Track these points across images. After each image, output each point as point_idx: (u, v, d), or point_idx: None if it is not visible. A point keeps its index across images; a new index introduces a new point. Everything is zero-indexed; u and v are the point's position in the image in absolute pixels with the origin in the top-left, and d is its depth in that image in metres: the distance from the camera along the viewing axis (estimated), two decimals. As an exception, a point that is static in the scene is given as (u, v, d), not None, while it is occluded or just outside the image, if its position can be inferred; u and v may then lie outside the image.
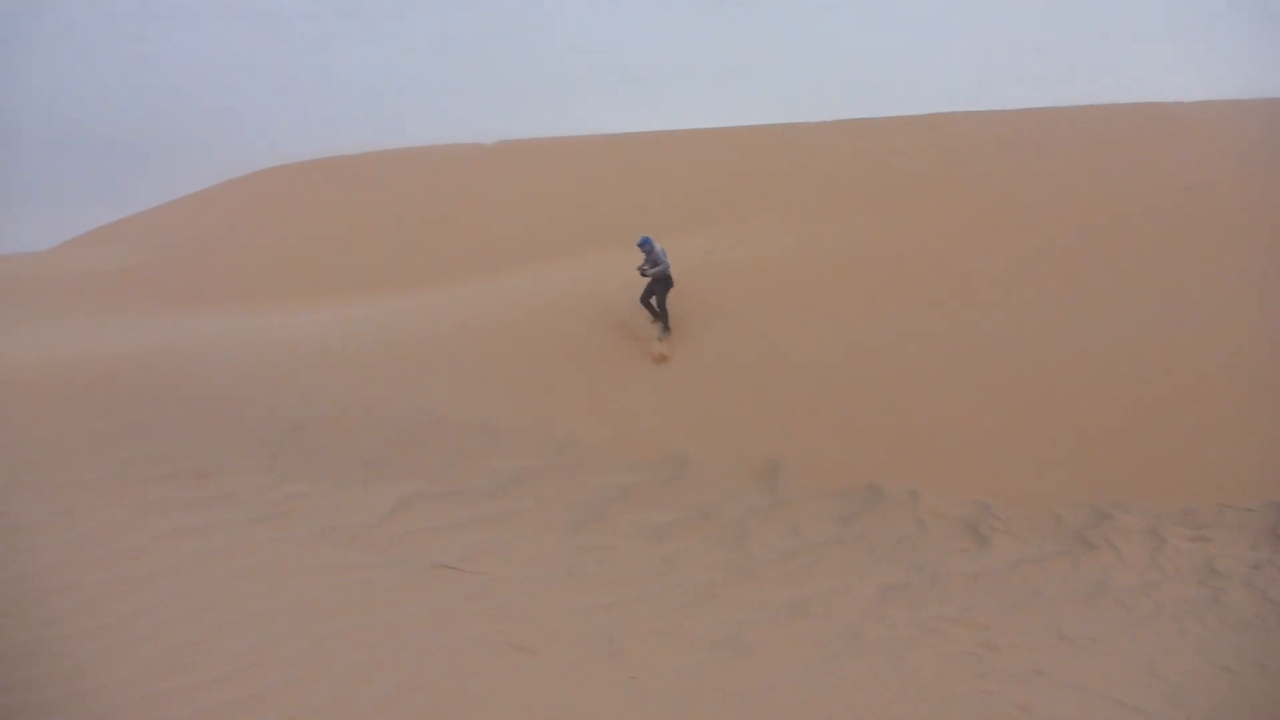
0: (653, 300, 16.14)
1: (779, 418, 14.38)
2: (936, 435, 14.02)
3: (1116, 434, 13.84)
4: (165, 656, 8.15)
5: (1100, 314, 15.81)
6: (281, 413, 14.62)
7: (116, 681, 7.59)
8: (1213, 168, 21.12)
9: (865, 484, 13.13)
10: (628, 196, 26.14)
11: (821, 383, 15.01)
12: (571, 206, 26.60)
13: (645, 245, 15.95)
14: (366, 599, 9.79)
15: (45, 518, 11.30)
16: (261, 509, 12.06)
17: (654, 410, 14.75)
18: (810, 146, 27.32)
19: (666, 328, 16.09)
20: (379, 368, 16.02)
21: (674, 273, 16.50)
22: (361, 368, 16.04)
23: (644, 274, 16.03)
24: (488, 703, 7.66)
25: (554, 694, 7.91)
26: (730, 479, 13.30)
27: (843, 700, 8.02)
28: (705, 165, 27.58)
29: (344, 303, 21.82)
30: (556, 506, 12.53)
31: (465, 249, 25.12)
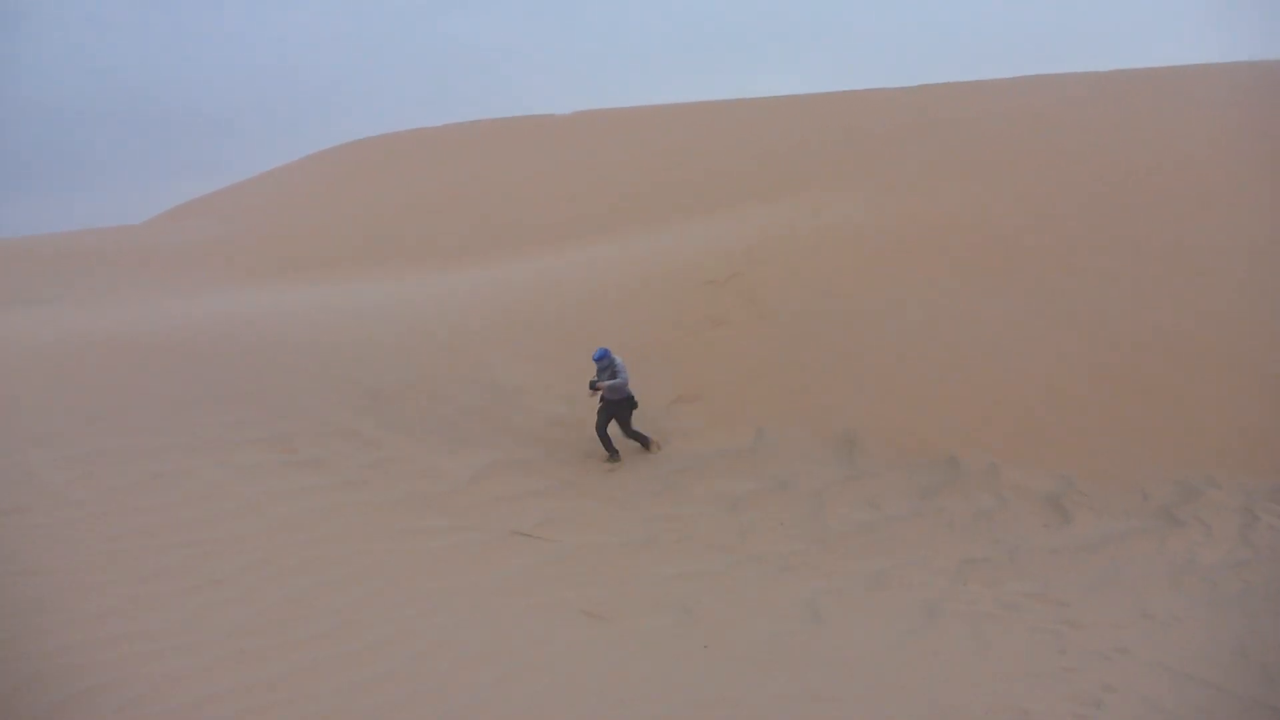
0: (608, 428, 13.38)
1: (857, 389, 14.25)
2: (1018, 407, 13.76)
3: (1210, 406, 13.44)
4: (260, 615, 8.46)
5: (1197, 283, 15.33)
6: (365, 380, 14.94)
7: (213, 638, 7.90)
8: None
9: (944, 457, 12.97)
10: (706, 165, 26.03)
11: (901, 354, 14.83)
12: (649, 176, 26.58)
13: (603, 359, 13.19)
14: (446, 564, 10.02)
15: (142, 479, 11.76)
16: (346, 474, 12.38)
17: (732, 381, 14.73)
18: (898, 112, 26.81)
19: (645, 443, 13.46)
20: (460, 337, 16.26)
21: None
22: (443, 337, 16.31)
23: (594, 389, 13.22)
24: (562, 669, 7.80)
25: (628, 661, 8.02)
26: (807, 450, 13.24)
27: (920, 673, 7.99)
28: (787, 132, 27.29)
29: (426, 273, 22.17)
30: (633, 476, 12.64)
31: (545, 220, 25.29)
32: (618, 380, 13.06)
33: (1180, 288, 15.37)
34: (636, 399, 13.39)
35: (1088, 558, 10.87)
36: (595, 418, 13.42)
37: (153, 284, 25.28)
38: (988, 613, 9.36)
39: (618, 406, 13.23)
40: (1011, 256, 16.69)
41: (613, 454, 13.15)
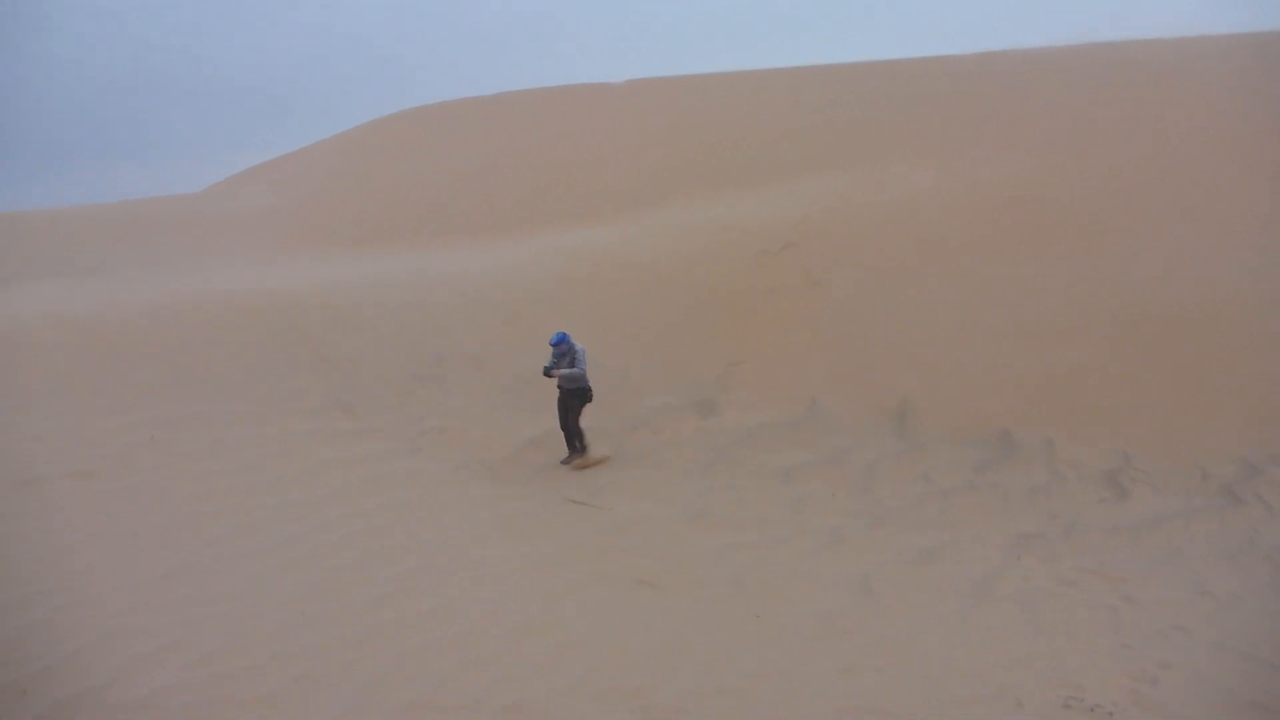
0: (570, 423, 12.50)
1: (912, 362, 14.13)
2: (1076, 382, 13.56)
3: (1275, 383, 13.13)
4: (320, 580, 8.66)
5: (1266, 256, 14.93)
6: (421, 350, 15.13)
7: (276, 601, 8.12)
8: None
9: (999, 431, 12.84)
10: (761, 134, 25.80)
11: (957, 326, 14.66)
12: (704, 145, 26.42)
13: (561, 344, 12.27)
14: (501, 531, 10.17)
15: (206, 446, 12.05)
16: (403, 442, 12.58)
17: (786, 353, 14.68)
18: (958, 81, 26.30)
19: (582, 448, 12.43)
20: (514, 307, 16.38)
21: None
22: (497, 307, 16.44)
23: (548, 374, 12.35)
24: (614, 637, 7.89)
25: (680, 631, 8.10)
26: (861, 423, 13.18)
27: (973, 646, 7.97)
28: (845, 101, 26.91)
29: (481, 242, 22.32)
30: (687, 447, 12.68)
31: (599, 190, 25.30)
32: (575, 370, 12.16)
33: (1248, 260, 14.98)
34: (592, 392, 12.39)
35: (1146, 535, 10.72)
36: (564, 413, 12.44)
37: (212, 252, 25.75)
38: (1042, 589, 9.29)
39: (570, 397, 12.31)
40: (1072, 228, 16.38)
41: (578, 449, 12.34)
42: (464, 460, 12.07)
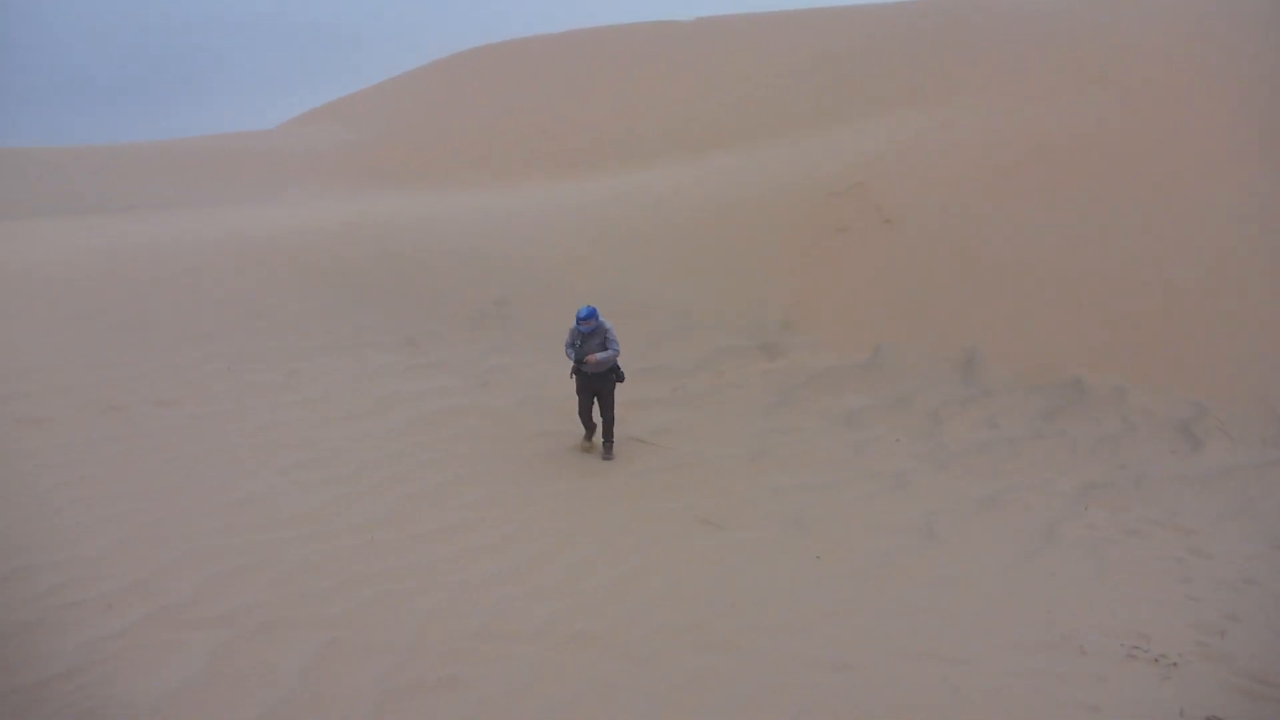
0: (594, 408, 10.99)
1: (980, 307, 13.88)
2: (1149, 328, 13.20)
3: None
4: (388, 510, 8.90)
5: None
6: (486, 288, 15.28)
7: (346, 528, 8.37)
8: None
9: (1069, 378, 12.60)
10: (829, 74, 25.26)
11: (1027, 270, 14.34)
12: (771, 85, 25.98)
13: (589, 318, 10.45)
14: (563, 468, 10.32)
15: (281, 379, 12.37)
16: (469, 377, 12.78)
17: (852, 297, 14.52)
18: (1022, 15, 25.36)
19: (610, 445, 10.91)
20: (580, 248, 16.42)
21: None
22: (563, 248, 16.49)
23: (579, 368, 10.69)
24: (673, 573, 8.00)
25: (740, 568, 8.17)
26: (926, 368, 13.03)
27: (1036, 594, 7.92)
28: (912, 39, 26.16)
29: (549, 182, 22.33)
30: (750, 388, 12.68)
31: (666, 130, 25.08)
32: (610, 352, 10.58)
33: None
34: (622, 371, 10.89)
35: (1219, 486, 10.48)
36: (577, 398, 10.97)
37: (285, 189, 26.13)
38: (1109, 538, 9.16)
39: (600, 381, 10.74)
40: (1148, 171, 15.82)
41: (591, 429, 11.03)
42: (527, 397, 12.23)
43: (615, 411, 10.94)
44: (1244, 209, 14.57)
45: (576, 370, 10.72)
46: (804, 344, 13.61)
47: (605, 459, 10.76)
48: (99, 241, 18.04)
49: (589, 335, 10.57)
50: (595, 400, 10.84)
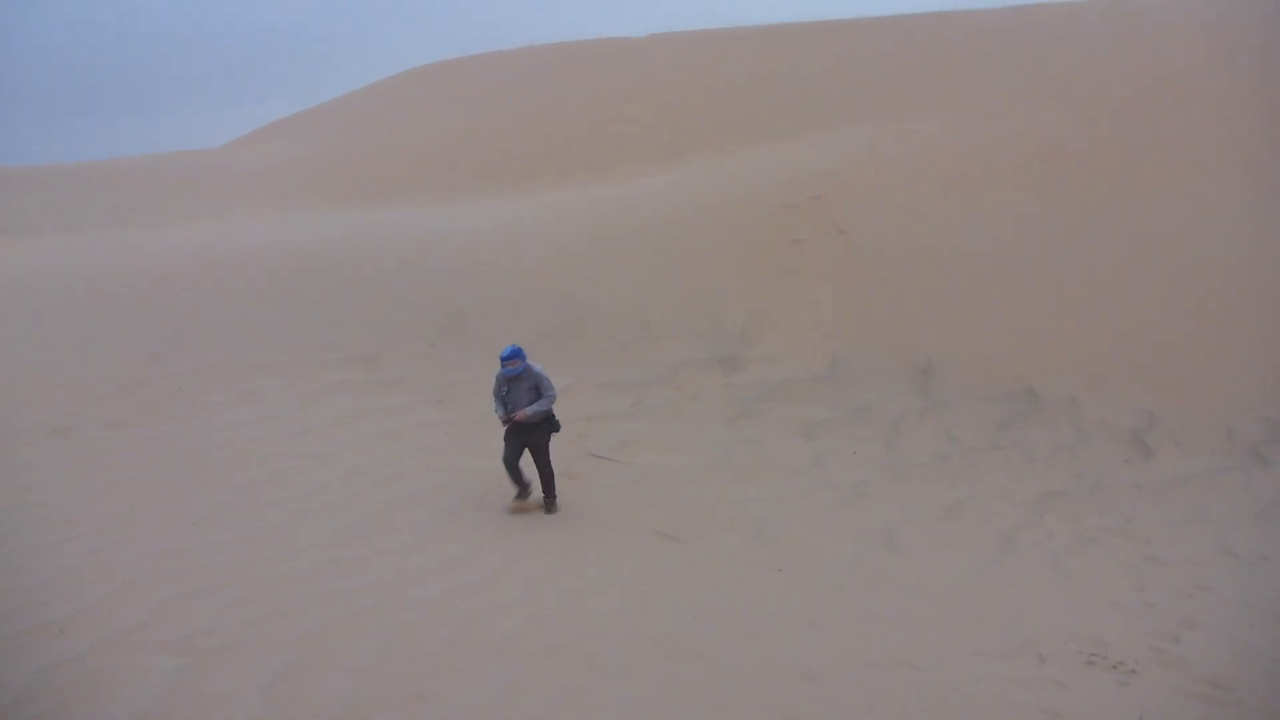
0: (521, 460, 9.52)
1: (936, 317, 14.03)
2: (1102, 338, 13.44)
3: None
4: (350, 526, 8.78)
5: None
6: (442, 302, 15.17)
7: (310, 545, 8.24)
8: None
9: (1024, 388, 12.78)
10: (783, 89, 25.52)
11: (982, 282, 14.53)
12: (724, 100, 26.17)
13: (513, 358, 9.26)
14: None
15: (237, 396, 12.18)
16: (427, 393, 12.67)
17: (810, 308, 14.59)
18: (981, 34, 25.86)
19: (552, 498, 9.65)
20: (537, 260, 16.37)
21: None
22: (520, 259, 16.43)
23: (508, 419, 9.38)
24: (635, 585, 7.98)
25: (704, 580, 8.17)
26: (884, 378, 13.14)
27: (997, 601, 8.01)
28: (867, 55, 26.53)
29: (504, 197, 22.27)
30: (710, 400, 12.69)
31: (622, 144, 25.15)
32: (544, 401, 9.35)
33: (1275, 210, 14.75)
34: (558, 421, 9.69)
35: (1171, 494, 10.68)
36: (505, 444, 9.49)
37: (235, 207, 25.80)
38: (1067, 546, 9.29)
39: (532, 430, 9.44)
40: (1098, 183, 16.13)
41: (523, 487, 9.56)
42: (486, 413, 12.12)
43: (552, 462, 9.64)
44: (1197, 220, 14.92)
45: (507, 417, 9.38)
46: (763, 355, 13.67)
47: (549, 514, 9.52)
48: (43, 261, 17.68)
49: (515, 379, 9.32)
50: (526, 451, 9.50)
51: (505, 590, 7.68)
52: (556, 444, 9.84)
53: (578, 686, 6.12)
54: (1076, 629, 7.51)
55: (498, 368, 9.54)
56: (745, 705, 6.06)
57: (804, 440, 11.85)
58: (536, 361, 10.01)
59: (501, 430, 9.72)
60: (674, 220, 17.22)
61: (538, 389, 9.37)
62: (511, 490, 9.57)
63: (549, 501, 9.62)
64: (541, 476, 9.60)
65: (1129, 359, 13.08)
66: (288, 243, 17.95)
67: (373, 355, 13.66)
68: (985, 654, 7.03)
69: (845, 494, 10.47)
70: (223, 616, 6.84)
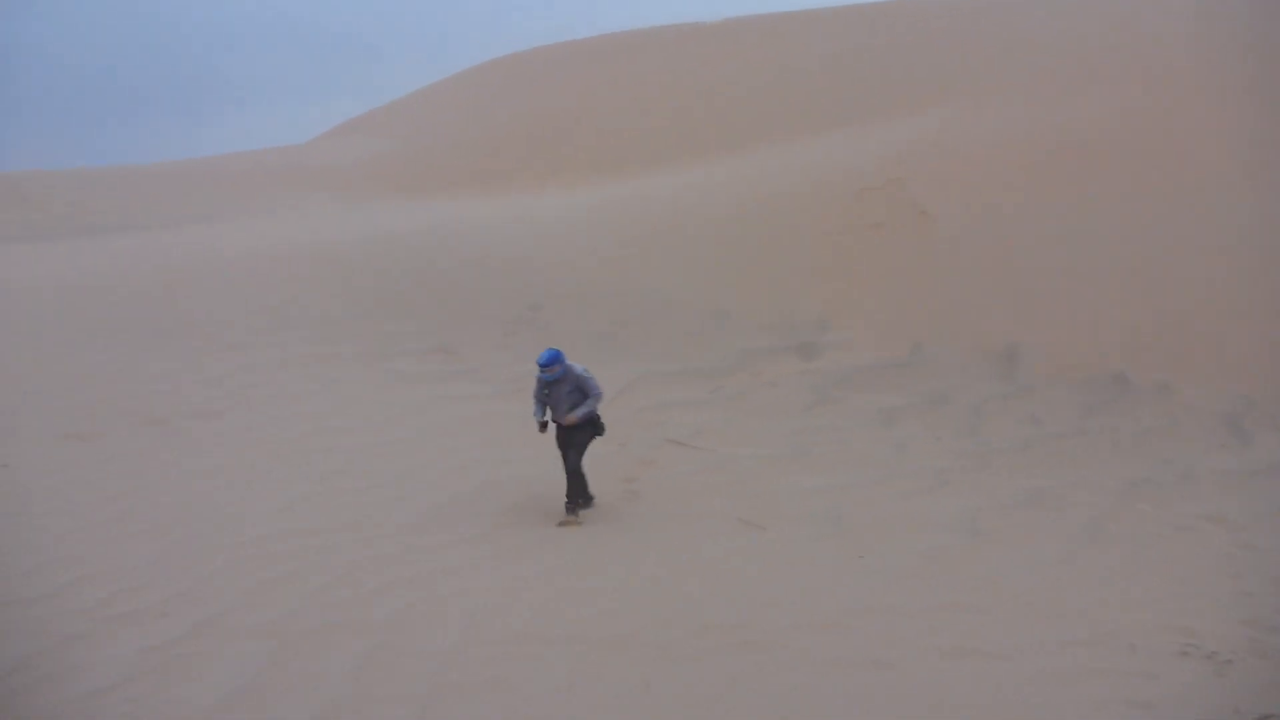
0: (571, 462, 9.16)
1: (1020, 302, 13.73)
2: (1195, 323, 13.01)
3: None
4: (425, 514, 8.95)
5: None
6: (519, 294, 15.33)
7: (383, 534, 8.42)
8: None
9: (1112, 374, 12.44)
10: (859, 72, 25.12)
11: (1068, 265, 14.16)
12: (801, 85, 25.87)
13: (552, 364, 8.79)
14: (600, 472, 10.30)
15: (317, 386, 12.49)
16: (501, 384, 12.83)
17: (889, 293, 14.40)
18: (1054, 13, 25.10)
19: (586, 498, 9.31)
20: (612, 250, 16.43)
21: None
22: (595, 250, 16.52)
23: (544, 425, 9.22)
24: (714, 574, 7.97)
25: (779, 568, 8.13)
26: (965, 365, 12.91)
27: (1083, 589, 7.81)
28: (945, 37, 25.96)
29: (579, 186, 22.39)
30: (787, 388, 12.62)
31: (695, 131, 25.05)
32: (590, 402, 9.00)
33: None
34: (603, 423, 9.31)
35: (1268, 481, 10.30)
36: (568, 454, 9.12)
37: (318, 201, 26.39)
38: (1156, 534, 9.03)
39: (575, 431, 9.09)
40: (1188, 166, 15.59)
41: (588, 497, 9.30)
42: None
43: (583, 466, 9.16)
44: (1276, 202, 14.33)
45: (551, 421, 9.13)
46: (841, 342, 13.53)
47: (566, 517, 8.96)
48: (137, 257, 18.31)
49: (556, 384, 8.92)
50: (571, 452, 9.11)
51: (578, 578, 7.74)
52: (633, 431, 9.88)
53: (648, 675, 6.15)
54: (1168, 619, 7.29)
55: (573, 356, 9.61)
56: (817, 695, 6.02)
57: (883, 427, 11.71)
58: (617, 346, 9.99)
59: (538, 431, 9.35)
60: (749, 207, 17.12)
61: (581, 389, 8.97)
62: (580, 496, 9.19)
63: (570, 506, 9.04)
64: (567, 475, 9.12)
65: (1224, 343, 12.64)
66: (367, 236, 18.31)
67: (450, 345, 13.88)
68: (1070, 644, 6.86)
69: (925, 482, 10.32)
70: (308, 601, 7.03)
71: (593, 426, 9.17)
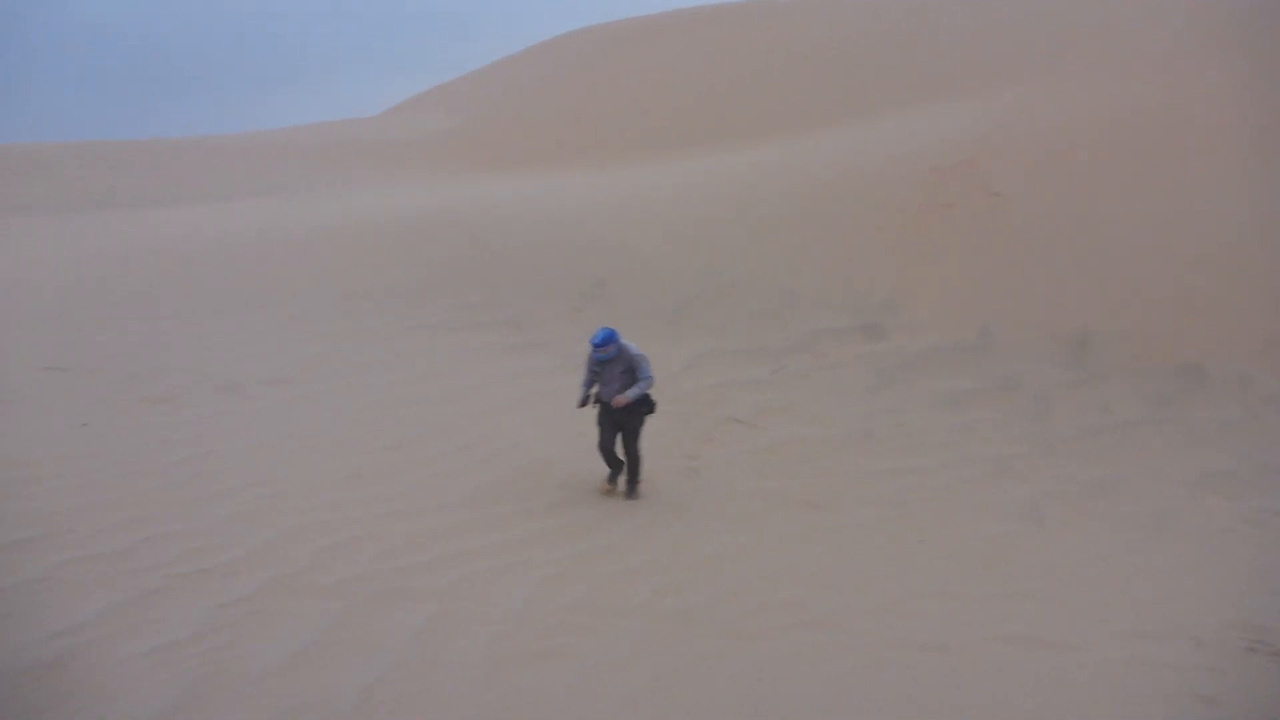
0: (619, 444, 9.06)
1: (1095, 287, 13.42)
2: (1276, 314, 12.60)
3: None
4: (496, 484, 9.09)
5: None
6: (586, 268, 15.42)
7: (452, 502, 8.58)
8: None
9: (1187, 363, 12.12)
10: (926, 52, 24.69)
11: (1144, 251, 13.82)
12: (874, 61, 25.51)
13: (606, 343, 8.66)
14: (664, 448, 10.36)
15: (386, 357, 12.72)
16: (568, 358, 12.92)
17: (958, 275, 14.19)
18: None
19: (634, 487, 9.10)
20: (679, 227, 16.43)
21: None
22: (662, 227, 16.53)
23: (584, 402, 9.14)
24: (773, 553, 7.99)
25: (839, 549, 8.13)
26: (1035, 350, 12.69)
27: (1148, 581, 7.69)
28: (1023, 12, 25.37)
29: (648, 163, 22.37)
30: (851, 369, 12.53)
31: (765, 109, 24.87)
32: (642, 384, 8.77)
33: None
34: (654, 401, 9.04)
35: (1349, 477, 9.98)
36: (599, 430, 9.05)
37: (387, 175, 26.75)
38: (1228, 528, 8.83)
39: (626, 412, 8.91)
40: (1273, 147, 15.06)
41: (617, 469, 9.14)
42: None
43: (641, 449, 9.08)
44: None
45: (597, 399, 9.02)
46: (907, 324, 13.38)
47: (630, 498, 9.05)
48: (209, 226, 18.76)
49: (608, 363, 8.81)
50: (619, 435, 9.01)
51: (641, 553, 7.82)
52: (696, 408, 9.88)
53: (705, 649, 6.21)
54: (1237, 615, 7.15)
55: (638, 333, 9.66)
56: (875, 675, 6.02)
57: (948, 412, 11.58)
58: (683, 323, 9.95)
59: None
60: (817, 186, 16.97)
61: (632, 370, 8.78)
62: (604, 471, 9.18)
63: (632, 487, 9.06)
64: (629, 462, 9.04)
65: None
66: (437, 209, 18.54)
67: (519, 319, 14.03)
68: (1134, 636, 6.77)
69: (989, 467, 10.19)
70: (374, 565, 7.21)
71: (645, 406, 8.94)
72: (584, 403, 9.10)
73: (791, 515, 8.84)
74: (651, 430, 9.76)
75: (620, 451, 9.04)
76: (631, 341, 9.02)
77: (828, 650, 6.31)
